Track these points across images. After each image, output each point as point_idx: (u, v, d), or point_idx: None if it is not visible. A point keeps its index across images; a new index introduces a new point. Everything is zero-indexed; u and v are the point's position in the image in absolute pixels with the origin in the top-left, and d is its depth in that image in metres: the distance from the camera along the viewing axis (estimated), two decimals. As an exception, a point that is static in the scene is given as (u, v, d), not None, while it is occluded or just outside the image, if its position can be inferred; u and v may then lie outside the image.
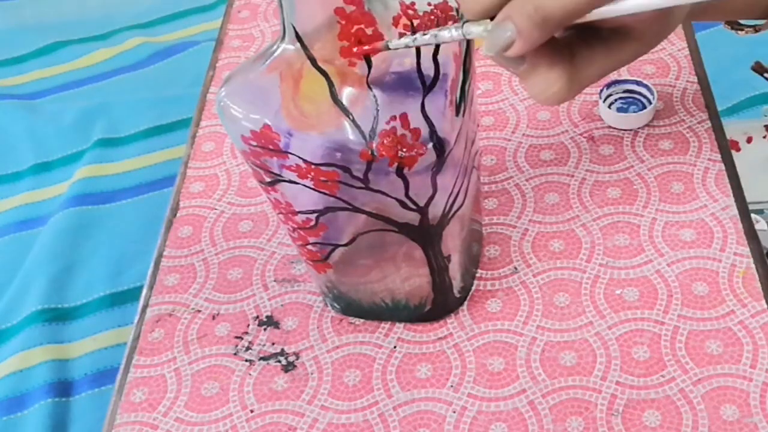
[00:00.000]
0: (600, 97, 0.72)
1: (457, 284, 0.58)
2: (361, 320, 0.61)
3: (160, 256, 0.68)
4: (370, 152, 0.45)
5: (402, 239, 0.52)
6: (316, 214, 0.50)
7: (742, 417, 0.53)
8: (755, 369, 0.55)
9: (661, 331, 0.57)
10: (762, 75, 0.97)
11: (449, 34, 0.40)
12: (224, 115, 0.46)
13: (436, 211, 0.50)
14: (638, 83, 0.72)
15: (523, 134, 0.72)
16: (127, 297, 1.38)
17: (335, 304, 0.61)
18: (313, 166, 0.46)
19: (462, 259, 0.57)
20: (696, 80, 0.74)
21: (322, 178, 0.46)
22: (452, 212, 0.52)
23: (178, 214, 0.71)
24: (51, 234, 1.47)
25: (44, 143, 1.67)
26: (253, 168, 0.49)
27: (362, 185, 0.47)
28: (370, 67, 0.45)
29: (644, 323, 0.58)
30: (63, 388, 1.27)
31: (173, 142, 1.63)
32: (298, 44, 0.44)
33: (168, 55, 1.84)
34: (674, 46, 0.77)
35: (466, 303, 0.61)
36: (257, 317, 0.63)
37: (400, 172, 0.46)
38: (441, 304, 0.59)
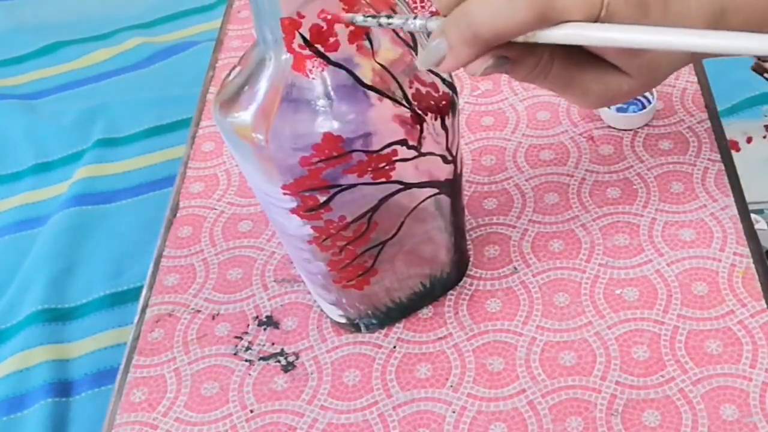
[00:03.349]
0: (600, 97, 0.72)
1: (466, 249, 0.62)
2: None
3: (160, 256, 0.68)
4: (416, 115, 0.47)
5: (435, 206, 0.54)
6: (369, 214, 0.50)
7: (741, 417, 0.53)
8: (755, 369, 0.55)
9: (660, 331, 0.57)
10: (762, 75, 0.97)
11: (414, 23, 0.40)
12: (275, 160, 0.46)
13: (458, 156, 0.53)
14: (638, 83, 0.72)
15: (523, 134, 0.72)
16: (127, 297, 1.37)
17: (373, 321, 0.59)
18: (374, 155, 0.47)
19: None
20: (696, 80, 0.74)
21: (381, 165, 0.48)
22: (459, 157, 0.54)
23: (178, 214, 0.71)
24: (51, 234, 1.47)
25: (44, 143, 1.67)
26: (303, 197, 0.48)
27: (416, 153, 0.49)
28: (372, 45, 0.46)
29: (644, 323, 0.58)
30: (63, 388, 1.27)
31: (173, 142, 1.63)
32: (305, 51, 0.44)
33: (168, 56, 1.84)
34: (674, 46, 0.77)
35: (465, 304, 0.61)
36: (257, 317, 0.63)
37: (443, 124, 0.48)
38: (460, 267, 0.61)
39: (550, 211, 0.66)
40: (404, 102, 0.47)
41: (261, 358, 0.60)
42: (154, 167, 1.59)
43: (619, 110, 0.72)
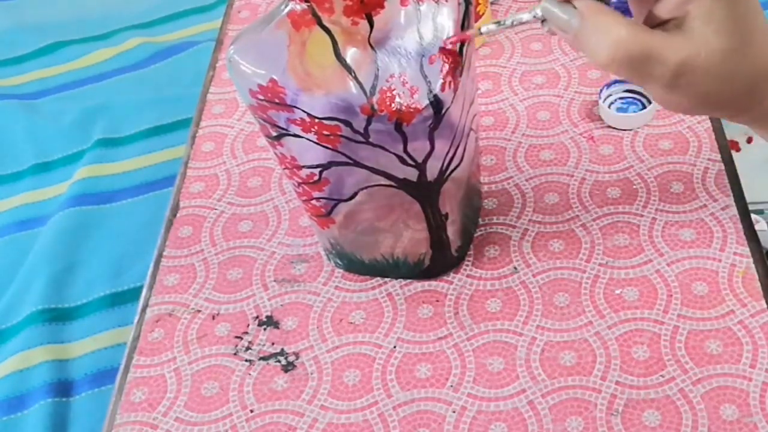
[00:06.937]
0: (600, 97, 0.72)
1: (454, 243, 0.60)
2: (362, 319, 0.61)
3: (160, 256, 0.68)
4: (370, 107, 0.47)
5: (401, 196, 0.54)
6: (319, 169, 0.53)
7: (741, 417, 0.53)
8: (755, 369, 0.55)
9: (660, 330, 0.57)
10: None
11: (527, 16, 0.41)
12: (233, 71, 0.49)
13: (433, 168, 0.53)
14: (638, 83, 0.72)
15: (523, 134, 0.72)
16: (127, 297, 1.37)
17: (338, 261, 0.63)
18: (316, 120, 0.48)
19: (459, 219, 0.59)
20: (696, 80, 0.74)
21: (325, 132, 0.49)
22: (449, 171, 0.54)
23: (178, 214, 0.71)
24: (51, 234, 1.47)
25: (44, 143, 1.67)
26: (261, 122, 0.51)
27: (363, 139, 0.50)
28: (372, 27, 0.47)
29: (644, 323, 0.58)
30: (63, 388, 1.27)
31: (173, 142, 1.63)
32: (305, 4, 0.46)
33: (168, 55, 1.84)
34: (674, 46, 0.77)
35: (466, 304, 0.61)
36: (257, 317, 0.63)
37: (398, 128, 0.49)
38: (439, 261, 0.61)
39: (550, 211, 0.66)
40: (362, 88, 0.48)
41: (261, 358, 0.60)
42: (154, 167, 1.59)
43: (619, 110, 0.72)
